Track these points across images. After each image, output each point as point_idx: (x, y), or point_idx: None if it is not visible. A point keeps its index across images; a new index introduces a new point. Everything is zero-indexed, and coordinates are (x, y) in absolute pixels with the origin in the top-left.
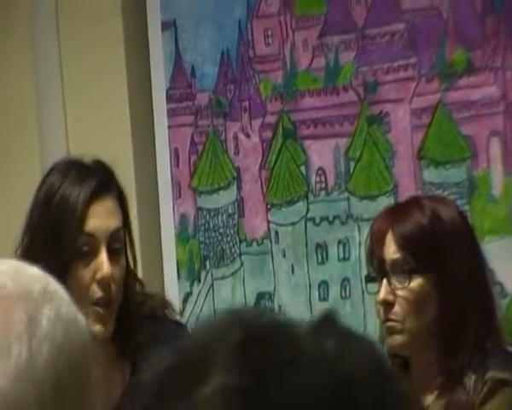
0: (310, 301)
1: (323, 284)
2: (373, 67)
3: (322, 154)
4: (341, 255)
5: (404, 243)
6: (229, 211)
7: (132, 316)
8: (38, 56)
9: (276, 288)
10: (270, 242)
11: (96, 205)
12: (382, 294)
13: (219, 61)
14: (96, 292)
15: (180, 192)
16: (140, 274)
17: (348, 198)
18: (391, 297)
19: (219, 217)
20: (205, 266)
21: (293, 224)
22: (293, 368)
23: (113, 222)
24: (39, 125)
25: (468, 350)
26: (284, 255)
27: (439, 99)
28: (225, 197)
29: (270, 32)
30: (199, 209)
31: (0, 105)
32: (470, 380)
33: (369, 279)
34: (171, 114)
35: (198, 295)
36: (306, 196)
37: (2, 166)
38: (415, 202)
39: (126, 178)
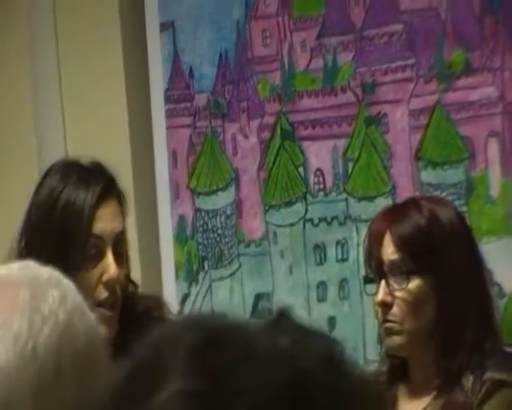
0: (308, 301)
1: (322, 285)
2: (371, 68)
3: (320, 155)
4: (339, 256)
5: (402, 244)
6: (228, 212)
7: (128, 317)
8: (36, 57)
9: (275, 289)
10: (269, 243)
11: (101, 208)
12: (380, 295)
13: (217, 61)
14: (103, 294)
15: (178, 193)
16: (138, 275)
17: (346, 199)
18: (389, 298)
19: (218, 218)
20: (203, 267)
21: (291, 225)
22: (248, 367)
23: (118, 224)
24: (37, 126)
25: (466, 351)
26: (282, 256)
27: (437, 100)
28: (224, 198)
29: (268, 33)
30: (197, 210)
31: None
32: (468, 381)
33: (367, 280)
34: (170, 115)
35: (196, 296)
36: (305, 197)
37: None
38: (413, 203)
39: (124, 179)
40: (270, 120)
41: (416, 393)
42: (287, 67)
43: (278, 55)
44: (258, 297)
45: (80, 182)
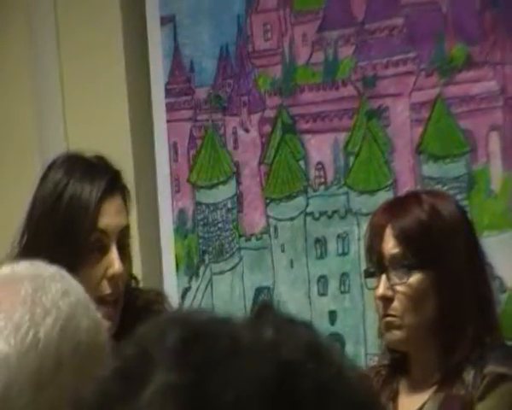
0: (309, 295)
1: (322, 279)
2: (372, 62)
3: (321, 148)
4: (340, 250)
5: (402, 238)
6: (228, 206)
7: (129, 311)
8: (37, 51)
9: (275, 283)
10: (269, 236)
11: (107, 203)
12: (381, 289)
13: (218, 55)
14: (106, 288)
15: (179, 187)
16: (139, 269)
17: (347, 193)
18: (390, 292)
19: (218, 212)
20: (203, 261)
21: (292, 218)
22: (233, 359)
23: (123, 219)
24: (38, 120)
25: (467, 345)
26: (283, 250)
27: (438, 93)
28: (224, 192)
29: (269, 27)
30: (197, 204)
31: None
32: (469, 375)
33: (367, 274)
34: (170, 108)
35: (197, 290)
36: (305, 191)
37: (1, 163)
38: (414, 197)
39: (125, 172)
40: (270, 113)
41: (416, 387)
42: (287, 60)
43: (279, 49)
44: (259, 291)
45: (85, 176)
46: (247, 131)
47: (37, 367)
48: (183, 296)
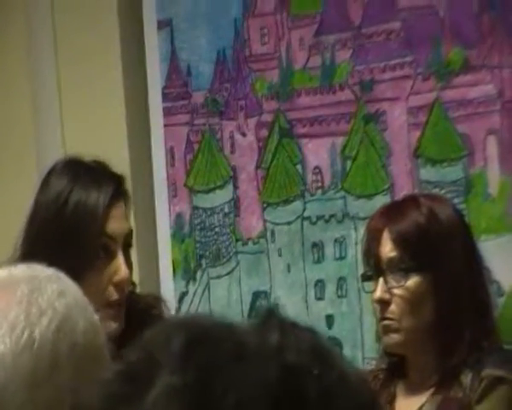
0: (306, 300)
1: (320, 283)
2: (369, 66)
3: (318, 152)
4: (338, 254)
5: (400, 242)
6: (225, 210)
7: (130, 315)
8: (35, 55)
9: (273, 287)
10: (267, 241)
11: (113, 208)
12: (378, 292)
13: (215, 59)
14: (113, 294)
15: (176, 191)
16: (136, 273)
17: (344, 197)
18: (387, 296)
19: (215, 216)
20: (200, 266)
21: (289, 223)
22: (237, 363)
23: (128, 224)
24: (36, 124)
25: (465, 348)
26: (280, 254)
27: (435, 97)
28: (221, 196)
29: (266, 31)
30: (194, 208)
31: None
32: (466, 378)
33: (365, 278)
34: (167, 112)
35: (194, 294)
36: (303, 195)
37: None
38: (411, 201)
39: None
40: (267, 117)
41: (414, 390)
42: (285, 64)
43: (276, 53)
44: (256, 295)
45: (91, 182)
46: (244, 135)
47: (33, 367)
48: (180, 301)
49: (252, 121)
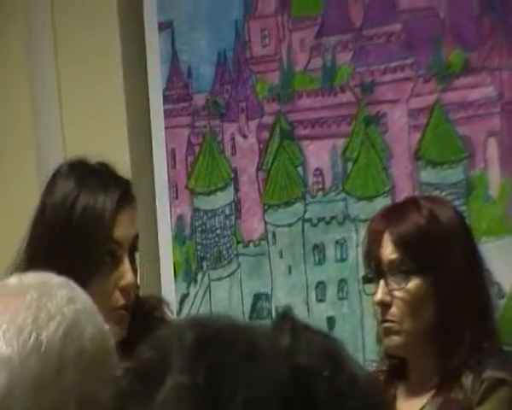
0: (307, 302)
1: (321, 285)
2: (370, 68)
3: (319, 154)
4: (339, 256)
5: (401, 244)
6: (226, 212)
7: (136, 318)
8: (35, 57)
9: (274, 289)
10: (268, 243)
11: (120, 214)
12: (379, 295)
13: (216, 61)
14: (119, 300)
15: (177, 193)
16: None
17: (345, 199)
18: (388, 298)
19: (216, 218)
20: (202, 268)
21: (290, 225)
22: (248, 363)
23: (134, 229)
24: (36, 126)
25: (465, 350)
26: (281, 256)
27: (436, 100)
28: (222, 198)
29: (266, 33)
30: (196, 210)
31: None
32: (467, 380)
33: (366, 280)
34: (168, 114)
35: (195, 296)
36: (303, 197)
37: None
38: (412, 203)
39: None
40: (268, 119)
41: (414, 392)
42: (285, 66)
43: (277, 55)
44: (257, 297)
45: (98, 186)
46: (245, 137)
47: (39, 370)
48: (181, 303)
49: (253, 123)
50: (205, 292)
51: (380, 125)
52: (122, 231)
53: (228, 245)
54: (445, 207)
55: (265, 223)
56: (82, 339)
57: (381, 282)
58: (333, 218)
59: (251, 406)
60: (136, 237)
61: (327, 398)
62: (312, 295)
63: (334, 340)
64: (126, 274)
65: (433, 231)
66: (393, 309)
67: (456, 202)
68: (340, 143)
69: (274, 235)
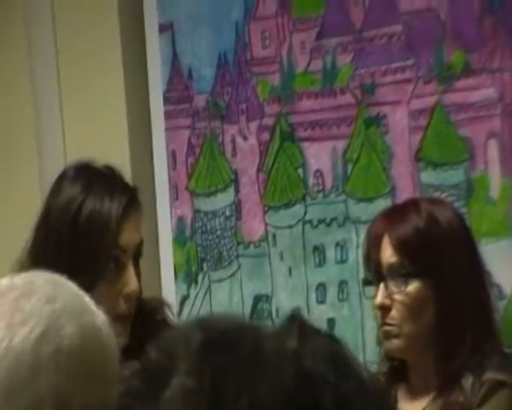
0: (307, 303)
1: (321, 287)
2: (370, 69)
3: (319, 156)
4: (339, 258)
5: (400, 247)
6: (227, 213)
7: (137, 320)
8: (35, 58)
9: (274, 290)
10: (268, 244)
11: (126, 220)
12: (379, 298)
13: (216, 63)
14: (122, 306)
15: (177, 194)
16: None
17: (346, 200)
18: (388, 301)
19: (217, 219)
20: (202, 269)
21: (290, 226)
22: (253, 367)
23: (139, 235)
24: (37, 127)
25: (466, 352)
26: (282, 258)
27: (436, 101)
28: (223, 200)
29: (267, 34)
30: (196, 212)
31: None
32: (468, 382)
33: (366, 283)
34: (169, 116)
35: (195, 297)
36: (304, 199)
37: None
38: (411, 205)
39: None
40: (269, 121)
41: (415, 394)
42: (286, 68)
43: (277, 57)
44: (258, 299)
45: (105, 191)
46: (245, 138)
47: (10, 376)
48: (182, 304)
49: (253, 125)
50: (205, 293)
51: (380, 127)
52: (127, 237)
53: (228, 246)
54: (444, 208)
55: (266, 224)
56: (59, 338)
57: (381, 285)
58: (333, 219)
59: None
60: (141, 242)
61: (331, 405)
62: (313, 296)
63: (341, 344)
64: (130, 281)
65: (433, 234)
66: (393, 312)
67: (457, 204)
68: (341, 144)
69: (274, 236)
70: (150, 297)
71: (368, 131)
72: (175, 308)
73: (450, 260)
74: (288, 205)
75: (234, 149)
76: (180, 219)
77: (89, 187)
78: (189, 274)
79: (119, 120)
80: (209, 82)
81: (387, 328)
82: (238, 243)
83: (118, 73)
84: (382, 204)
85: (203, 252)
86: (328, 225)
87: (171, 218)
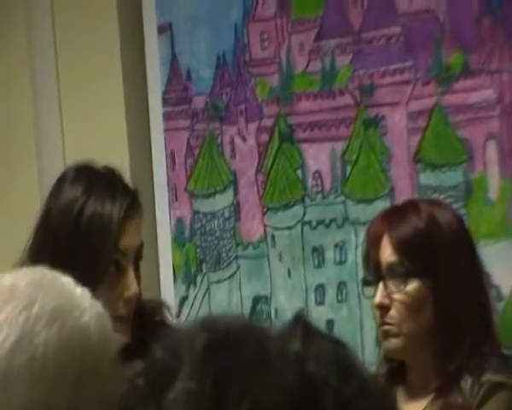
0: (306, 304)
1: (320, 288)
2: (369, 71)
3: (318, 157)
4: (338, 259)
5: (400, 246)
6: (226, 215)
7: (136, 322)
8: (35, 60)
9: (273, 292)
10: (267, 245)
11: (126, 223)
12: (378, 297)
13: (215, 64)
14: (121, 310)
15: (176, 196)
16: None
17: (345, 202)
18: (387, 301)
19: (216, 221)
20: (201, 270)
21: (289, 227)
22: (256, 369)
23: (139, 238)
24: (36, 129)
25: (465, 353)
26: (281, 259)
27: (435, 102)
28: (222, 201)
29: (266, 36)
30: (195, 213)
31: None
32: (466, 383)
33: (365, 283)
34: (168, 117)
35: (194, 298)
36: (303, 200)
37: None
38: (411, 206)
39: None
40: (268, 122)
41: (414, 395)
42: (285, 69)
43: (276, 58)
44: (257, 300)
45: (106, 194)
46: (244, 139)
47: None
48: (181, 305)
49: (252, 126)
50: (204, 295)
51: (379, 128)
52: (128, 240)
53: (227, 248)
54: (444, 210)
55: (265, 225)
56: (34, 347)
57: (380, 285)
58: (332, 220)
59: None
60: (141, 245)
61: (333, 409)
62: (311, 297)
63: (345, 347)
64: (131, 285)
65: (433, 234)
66: (392, 312)
67: (456, 205)
68: (340, 145)
69: (273, 237)
70: (149, 298)
71: (367, 133)
72: (174, 309)
73: (450, 261)
74: (286, 206)
75: (233, 150)
76: (179, 221)
77: (90, 189)
78: (188, 275)
79: (118, 121)
80: (208, 83)
81: (386, 327)
82: (237, 244)
83: (117, 74)
84: (381, 205)
85: (202, 253)
86: (327, 226)
87: (170, 219)
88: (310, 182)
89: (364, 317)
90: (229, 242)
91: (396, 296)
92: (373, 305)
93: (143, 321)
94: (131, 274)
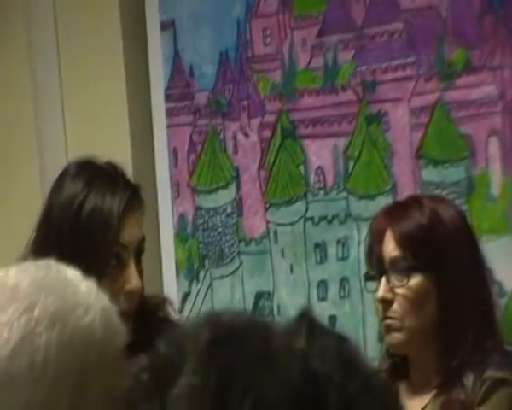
0: (309, 300)
1: (322, 284)
2: (371, 67)
3: (320, 153)
4: (340, 255)
5: (403, 241)
6: (228, 210)
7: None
8: (37, 56)
9: (275, 287)
10: (269, 241)
11: (127, 216)
12: (381, 292)
13: (218, 60)
14: (122, 303)
15: (179, 191)
16: None
17: (347, 197)
18: (389, 295)
19: (218, 216)
20: (204, 266)
21: (291, 223)
22: (260, 364)
23: (140, 232)
24: (38, 125)
25: (467, 349)
26: (283, 255)
27: (437, 98)
28: (224, 197)
29: (268, 32)
30: (198, 209)
31: None
32: (469, 379)
33: (368, 278)
34: (170, 113)
35: (197, 294)
36: (305, 196)
37: (0, 168)
38: (414, 201)
39: None
40: (270, 118)
41: (416, 391)
42: (287, 65)
43: (279, 54)
44: (259, 296)
45: (106, 188)
46: (246, 135)
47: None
48: (184, 301)
49: (254, 122)
50: (207, 290)
51: (381, 124)
52: (129, 234)
53: (230, 243)
54: (447, 205)
55: (267, 221)
56: (33, 349)
57: (383, 279)
58: (334, 216)
59: (260, 409)
60: (143, 239)
61: (337, 405)
62: (314, 293)
63: (350, 344)
64: (132, 278)
65: (436, 229)
66: (395, 306)
67: (458, 201)
68: (342, 141)
69: (276, 233)
70: (152, 294)
71: (369, 129)
72: (177, 305)
73: (453, 257)
74: (289, 202)
75: (235, 146)
76: (182, 216)
77: (90, 184)
78: (190, 271)
79: (121, 118)
80: (210, 79)
81: (389, 321)
82: (239, 240)
83: (119, 71)
84: (383, 201)
85: (205, 249)
86: (330, 222)
87: (173, 215)
88: (312, 178)
89: (366, 313)
90: (232, 237)
91: (399, 291)
92: (376, 299)
93: (146, 317)
94: (132, 267)
